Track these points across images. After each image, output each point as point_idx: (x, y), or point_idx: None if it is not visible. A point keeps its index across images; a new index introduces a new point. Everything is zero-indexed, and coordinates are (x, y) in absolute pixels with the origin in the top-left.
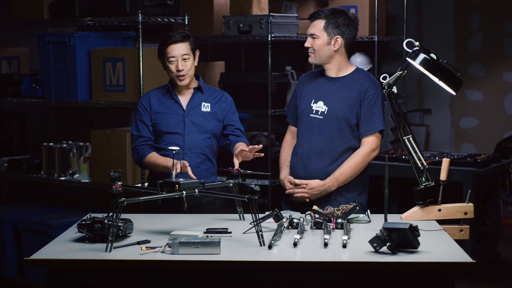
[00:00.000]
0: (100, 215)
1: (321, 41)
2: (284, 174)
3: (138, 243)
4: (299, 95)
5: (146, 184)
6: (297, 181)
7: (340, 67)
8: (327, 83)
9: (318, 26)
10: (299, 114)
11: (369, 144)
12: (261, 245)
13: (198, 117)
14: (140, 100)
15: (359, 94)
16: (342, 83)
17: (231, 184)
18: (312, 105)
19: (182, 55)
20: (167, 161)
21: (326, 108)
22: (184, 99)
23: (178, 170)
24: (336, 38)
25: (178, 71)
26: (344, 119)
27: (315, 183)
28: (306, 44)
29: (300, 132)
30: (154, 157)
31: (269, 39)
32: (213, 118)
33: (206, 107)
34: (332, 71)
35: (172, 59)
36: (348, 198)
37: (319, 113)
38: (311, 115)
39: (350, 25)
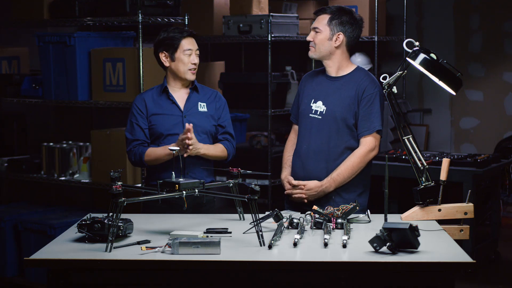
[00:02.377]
0: (100, 215)
1: (323, 35)
2: (285, 174)
3: (138, 243)
4: (301, 94)
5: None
6: (295, 182)
7: (340, 66)
8: (326, 82)
9: (322, 21)
10: (300, 113)
11: (367, 144)
12: (261, 245)
13: (196, 117)
14: (134, 103)
15: (357, 94)
16: (341, 83)
17: (231, 184)
18: (311, 105)
19: (196, 49)
20: (166, 148)
21: (325, 108)
22: (180, 100)
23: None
24: (338, 34)
25: (193, 64)
26: (342, 119)
27: (312, 184)
28: (308, 38)
29: (300, 132)
30: (153, 150)
31: (269, 39)
32: (210, 118)
33: (202, 107)
34: (332, 68)
35: (188, 51)
36: (347, 199)
37: (318, 113)
38: (310, 115)
39: (354, 24)
